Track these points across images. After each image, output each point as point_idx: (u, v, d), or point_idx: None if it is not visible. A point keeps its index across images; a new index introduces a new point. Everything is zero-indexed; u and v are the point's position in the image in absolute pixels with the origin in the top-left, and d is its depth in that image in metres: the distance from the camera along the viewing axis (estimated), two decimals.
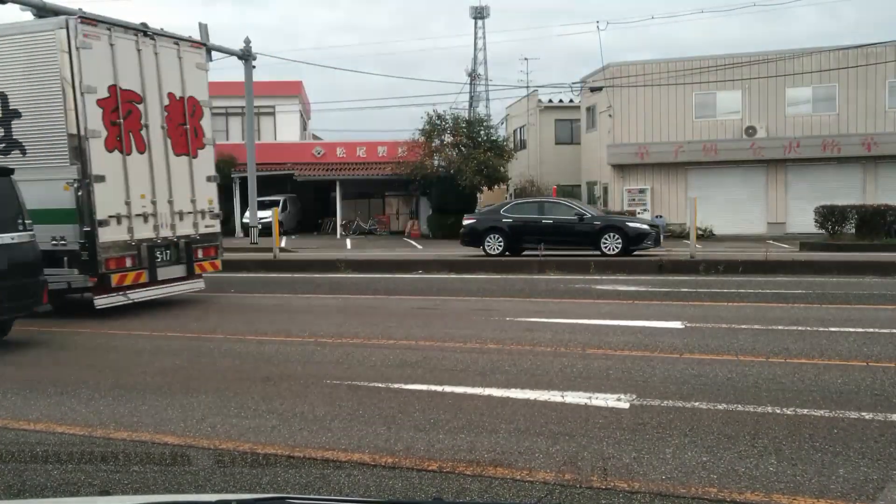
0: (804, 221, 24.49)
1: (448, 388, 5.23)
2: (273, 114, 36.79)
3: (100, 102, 8.67)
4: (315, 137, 41.45)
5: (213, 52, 22.06)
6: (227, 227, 34.37)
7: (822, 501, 3.24)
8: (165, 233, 9.51)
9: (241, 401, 5.05)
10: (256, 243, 24.14)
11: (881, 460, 3.68)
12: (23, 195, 7.32)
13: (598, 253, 15.51)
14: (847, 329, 7.18)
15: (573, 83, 33.38)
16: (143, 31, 9.76)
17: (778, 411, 4.51)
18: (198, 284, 10.32)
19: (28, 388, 5.53)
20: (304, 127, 40.40)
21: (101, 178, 8.60)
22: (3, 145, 8.74)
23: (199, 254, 10.05)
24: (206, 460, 3.95)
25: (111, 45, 9.19)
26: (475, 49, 57.16)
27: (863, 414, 4.42)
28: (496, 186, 33.02)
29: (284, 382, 5.54)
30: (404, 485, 3.54)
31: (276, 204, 27.74)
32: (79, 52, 8.53)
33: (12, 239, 7.01)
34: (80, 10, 17.54)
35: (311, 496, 3.06)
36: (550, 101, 35.14)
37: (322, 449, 4.04)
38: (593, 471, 3.63)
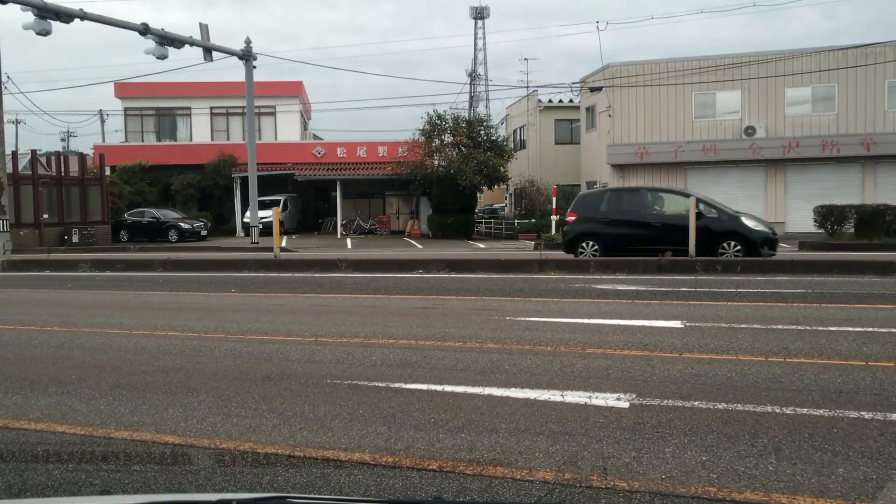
0: (803, 221, 24.54)
1: (448, 388, 5.23)
2: (274, 114, 36.83)
3: None
4: (315, 137, 41.49)
5: (214, 53, 22.08)
6: (228, 227, 34.48)
7: (822, 501, 3.25)
8: None
9: (242, 400, 5.06)
10: (257, 243, 24.21)
11: (881, 459, 3.69)
12: None
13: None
14: (846, 328, 7.18)
15: (573, 83, 33.44)
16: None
17: (777, 411, 4.52)
18: None
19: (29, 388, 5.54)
20: (304, 127, 40.42)
21: None
22: None
23: None
24: (207, 460, 3.96)
25: None
26: (475, 49, 57.26)
27: (862, 413, 4.43)
28: (496, 186, 33.06)
29: (285, 382, 5.54)
30: (404, 484, 3.55)
31: (276, 203, 27.78)
32: None
33: None
34: (80, 10, 17.57)
35: (312, 496, 3.07)
36: (550, 101, 35.16)
37: (322, 448, 4.04)
38: (593, 470, 3.63)
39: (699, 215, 13.95)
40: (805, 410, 4.51)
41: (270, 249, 17.87)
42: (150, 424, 4.56)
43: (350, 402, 4.95)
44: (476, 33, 59.12)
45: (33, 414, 4.86)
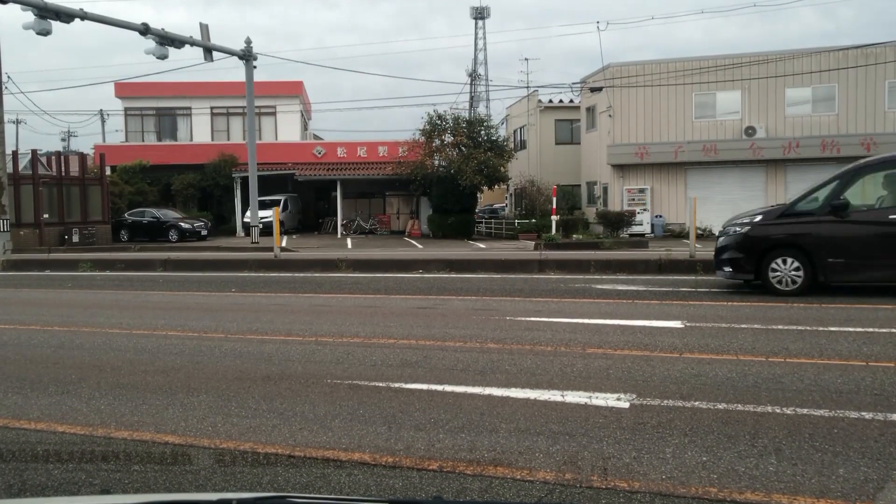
0: None
1: (448, 388, 5.23)
2: (274, 114, 36.82)
3: None
4: (316, 137, 41.50)
5: (214, 53, 22.08)
6: (229, 227, 34.48)
7: (823, 501, 3.24)
8: None
9: (242, 400, 5.06)
10: (257, 243, 24.22)
11: (881, 460, 3.68)
12: None
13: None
14: (846, 328, 7.18)
15: (573, 83, 33.44)
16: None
17: (778, 411, 4.52)
18: None
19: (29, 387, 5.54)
20: (304, 127, 40.42)
21: None
22: None
23: None
24: (207, 460, 3.96)
25: None
26: (475, 49, 57.26)
27: (863, 413, 4.43)
28: (496, 186, 33.06)
29: (285, 381, 5.54)
30: (404, 484, 3.55)
31: (276, 203, 27.78)
32: None
33: None
34: (80, 10, 17.57)
35: (312, 495, 3.06)
36: (550, 101, 35.16)
37: (322, 448, 4.04)
38: (593, 470, 3.63)
39: None
40: (805, 411, 4.51)
41: (271, 249, 17.87)
42: (150, 424, 4.56)
43: (350, 401, 4.95)
44: (476, 33, 59.18)
45: (33, 414, 4.86)
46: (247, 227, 28.77)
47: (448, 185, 29.64)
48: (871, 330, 7.12)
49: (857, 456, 3.74)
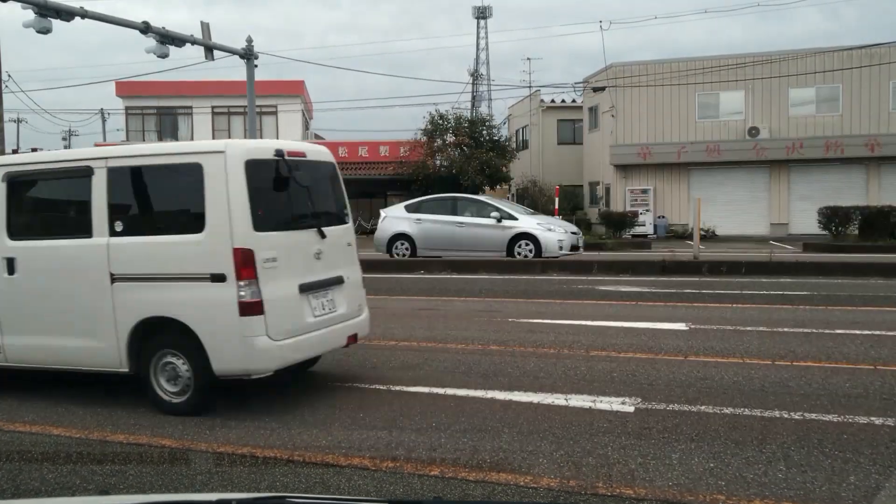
0: (807, 222, 24.41)
1: (450, 391, 5.16)
2: (275, 113, 36.76)
3: None
4: (317, 137, 41.41)
5: (216, 52, 22.02)
6: None
7: None
8: None
9: (241, 402, 4.99)
10: None
11: (893, 467, 3.61)
12: None
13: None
14: (853, 331, 7.09)
15: (576, 83, 33.35)
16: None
17: (786, 416, 4.44)
18: None
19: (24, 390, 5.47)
20: (306, 126, 40.36)
21: None
22: None
23: None
24: (205, 463, 3.89)
25: None
26: (477, 49, 57.17)
27: (872, 419, 4.35)
28: (498, 186, 32.99)
29: (284, 384, 5.47)
30: (405, 489, 3.48)
31: None
32: None
33: None
34: (81, 8, 17.50)
35: (311, 495, 2.99)
36: (553, 101, 35.07)
37: (322, 452, 3.97)
38: (598, 477, 3.56)
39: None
40: (814, 415, 4.43)
41: None
42: (146, 427, 4.50)
43: (350, 404, 4.88)
44: (478, 33, 58.96)
45: (28, 416, 4.80)
46: None
47: (450, 185, 29.56)
48: (878, 333, 7.03)
49: (868, 462, 3.66)
